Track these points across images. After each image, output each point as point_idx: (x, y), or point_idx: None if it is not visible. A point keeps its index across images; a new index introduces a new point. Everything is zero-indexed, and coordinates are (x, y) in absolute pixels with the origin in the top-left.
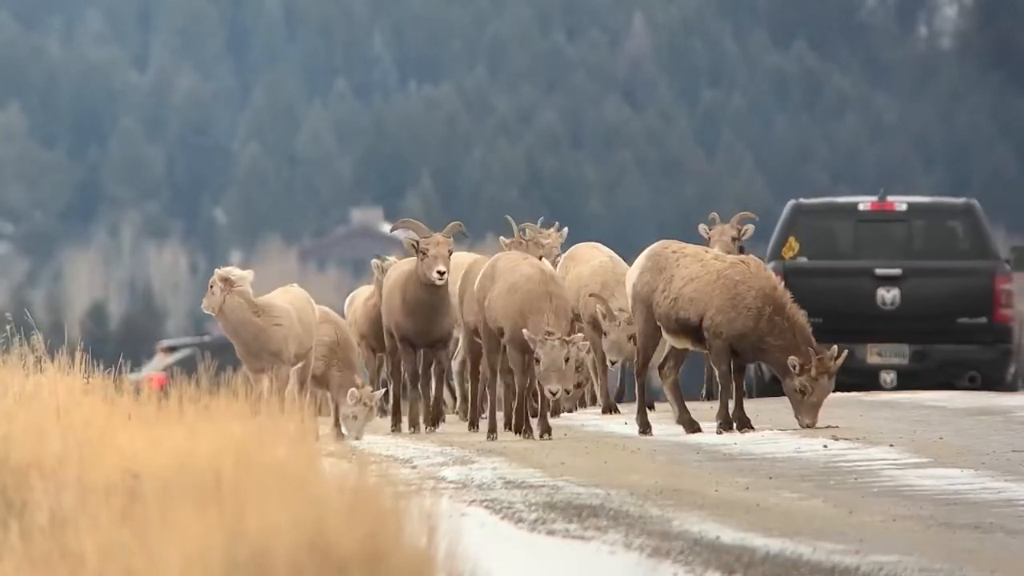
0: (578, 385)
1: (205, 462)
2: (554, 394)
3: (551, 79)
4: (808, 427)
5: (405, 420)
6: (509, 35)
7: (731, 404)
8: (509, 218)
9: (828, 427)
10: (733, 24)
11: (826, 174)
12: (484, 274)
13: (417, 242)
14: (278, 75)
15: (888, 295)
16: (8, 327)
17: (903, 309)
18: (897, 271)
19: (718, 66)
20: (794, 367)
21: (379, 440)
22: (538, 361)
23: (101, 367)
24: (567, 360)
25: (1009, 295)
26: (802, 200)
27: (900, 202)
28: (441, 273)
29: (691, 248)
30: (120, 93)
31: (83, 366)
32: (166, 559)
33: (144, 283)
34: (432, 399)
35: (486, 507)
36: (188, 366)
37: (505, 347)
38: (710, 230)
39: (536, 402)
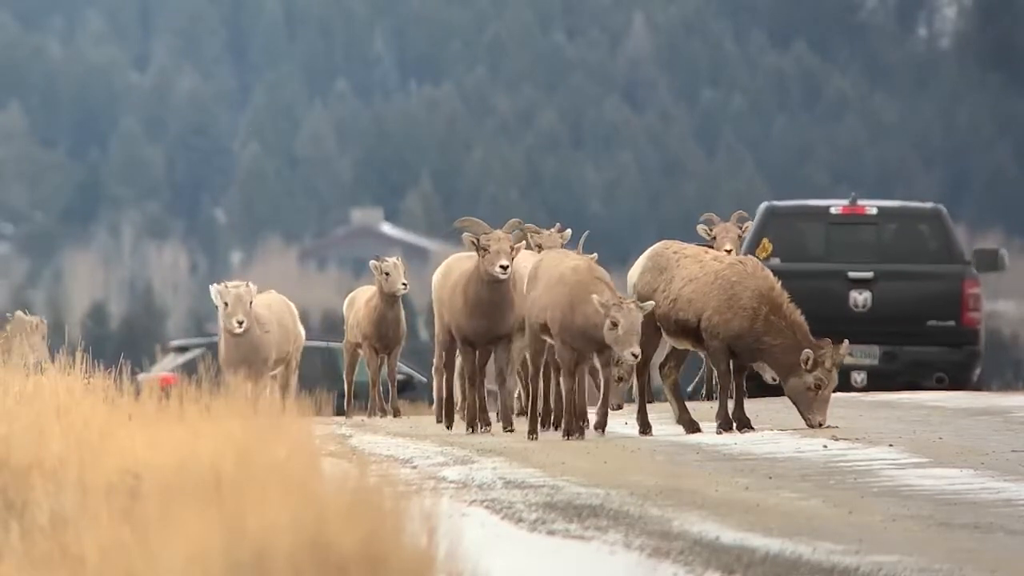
0: (620, 379)
1: (205, 462)
2: (636, 357)
3: (551, 79)
4: (820, 425)
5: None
6: (509, 35)
7: (731, 404)
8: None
9: (828, 427)
10: (733, 24)
11: (826, 174)
12: (528, 276)
13: (478, 239)
14: (278, 75)
15: (860, 297)
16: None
17: (874, 311)
18: (869, 274)
19: (718, 66)
20: (807, 360)
21: (379, 440)
22: (615, 325)
23: (102, 367)
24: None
25: (977, 299)
26: (775, 203)
27: (870, 206)
28: (504, 267)
29: (691, 249)
30: (120, 93)
31: (83, 366)
32: (166, 559)
33: (144, 283)
34: (502, 401)
35: (486, 507)
36: (197, 367)
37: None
38: (711, 230)
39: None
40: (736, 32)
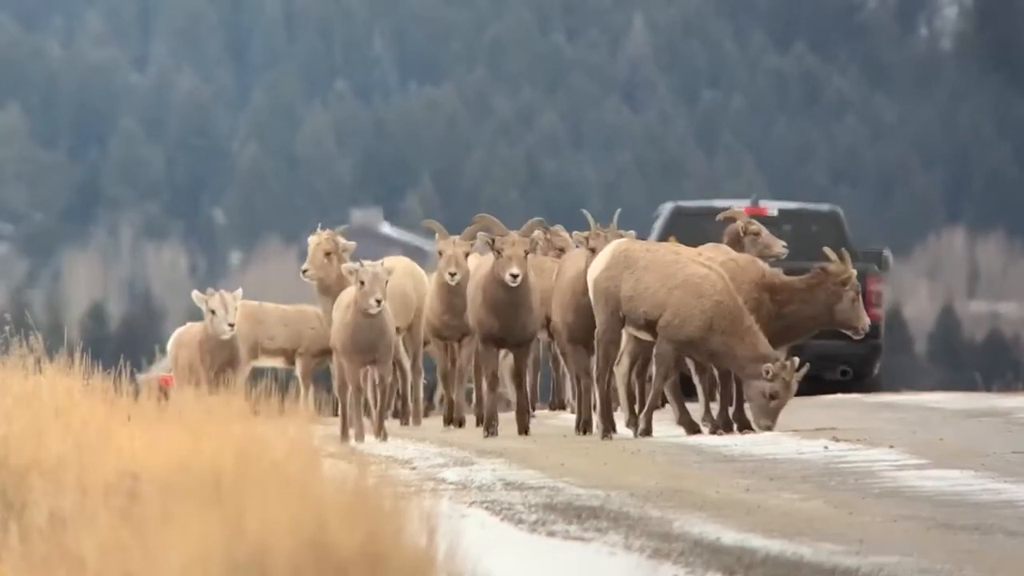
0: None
1: (205, 462)
2: (770, 429)
3: (551, 79)
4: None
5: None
6: (509, 35)
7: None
8: (585, 211)
9: (828, 428)
10: (733, 25)
11: (826, 175)
12: (613, 261)
13: (493, 240)
14: (278, 75)
15: None
16: (8, 327)
17: None
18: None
19: (718, 67)
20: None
21: (379, 440)
22: (773, 398)
23: (101, 368)
24: None
25: (879, 295)
26: (681, 203)
27: (772, 207)
28: (515, 276)
29: (689, 251)
30: (120, 94)
31: (82, 367)
32: (166, 559)
33: (144, 283)
34: (519, 404)
35: (486, 508)
36: None
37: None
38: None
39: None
40: (736, 32)
